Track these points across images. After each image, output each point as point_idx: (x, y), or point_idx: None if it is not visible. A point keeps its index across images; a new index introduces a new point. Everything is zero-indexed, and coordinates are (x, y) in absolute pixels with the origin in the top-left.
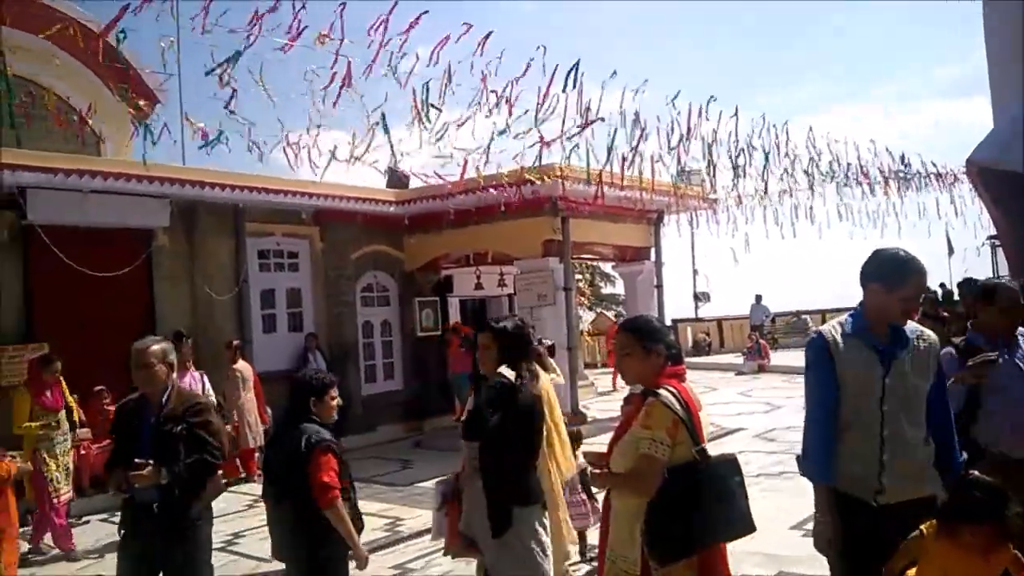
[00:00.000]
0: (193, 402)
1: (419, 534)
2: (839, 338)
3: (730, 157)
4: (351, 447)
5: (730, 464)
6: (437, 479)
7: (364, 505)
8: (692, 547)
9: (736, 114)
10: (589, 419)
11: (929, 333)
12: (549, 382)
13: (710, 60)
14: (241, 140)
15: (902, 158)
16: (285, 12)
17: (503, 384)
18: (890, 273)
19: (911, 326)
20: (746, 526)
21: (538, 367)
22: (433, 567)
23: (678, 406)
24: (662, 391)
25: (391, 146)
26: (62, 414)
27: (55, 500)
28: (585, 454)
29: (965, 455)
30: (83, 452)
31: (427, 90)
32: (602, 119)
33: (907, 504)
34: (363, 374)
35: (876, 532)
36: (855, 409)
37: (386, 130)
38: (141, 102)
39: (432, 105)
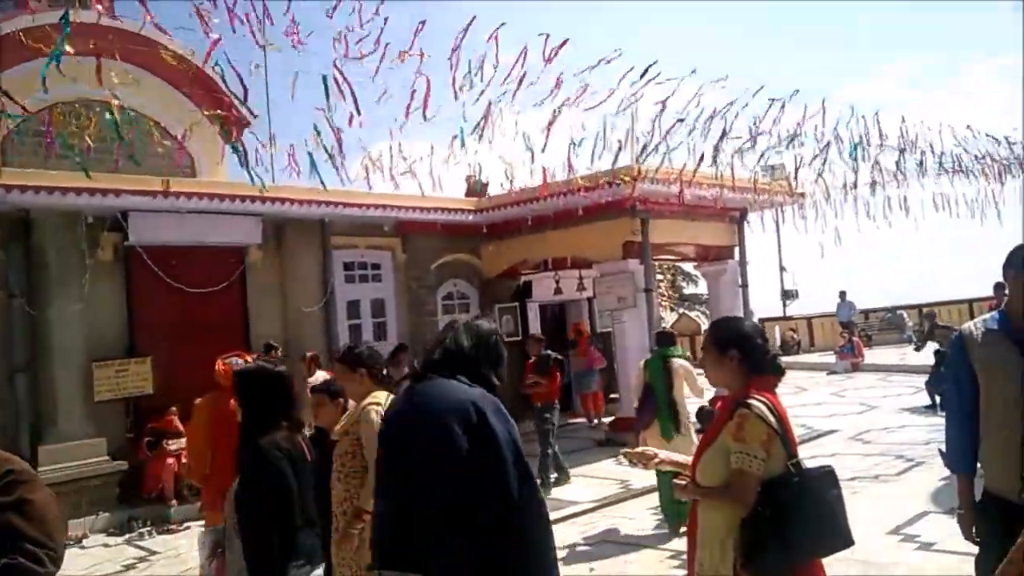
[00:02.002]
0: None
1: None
2: (978, 334)
3: (815, 151)
4: None
5: (827, 476)
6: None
7: None
8: (788, 564)
9: (823, 107)
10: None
11: None
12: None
13: (788, 54)
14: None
15: (1005, 141)
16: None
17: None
18: (1021, 259)
19: None
20: (844, 541)
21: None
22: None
23: (772, 418)
24: (754, 402)
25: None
26: None
27: None
28: (625, 453)
29: None
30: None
31: (500, 100)
32: (682, 120)
33: None
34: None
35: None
36: (995, 404)
37: (463, 143)
38: (229, 125)
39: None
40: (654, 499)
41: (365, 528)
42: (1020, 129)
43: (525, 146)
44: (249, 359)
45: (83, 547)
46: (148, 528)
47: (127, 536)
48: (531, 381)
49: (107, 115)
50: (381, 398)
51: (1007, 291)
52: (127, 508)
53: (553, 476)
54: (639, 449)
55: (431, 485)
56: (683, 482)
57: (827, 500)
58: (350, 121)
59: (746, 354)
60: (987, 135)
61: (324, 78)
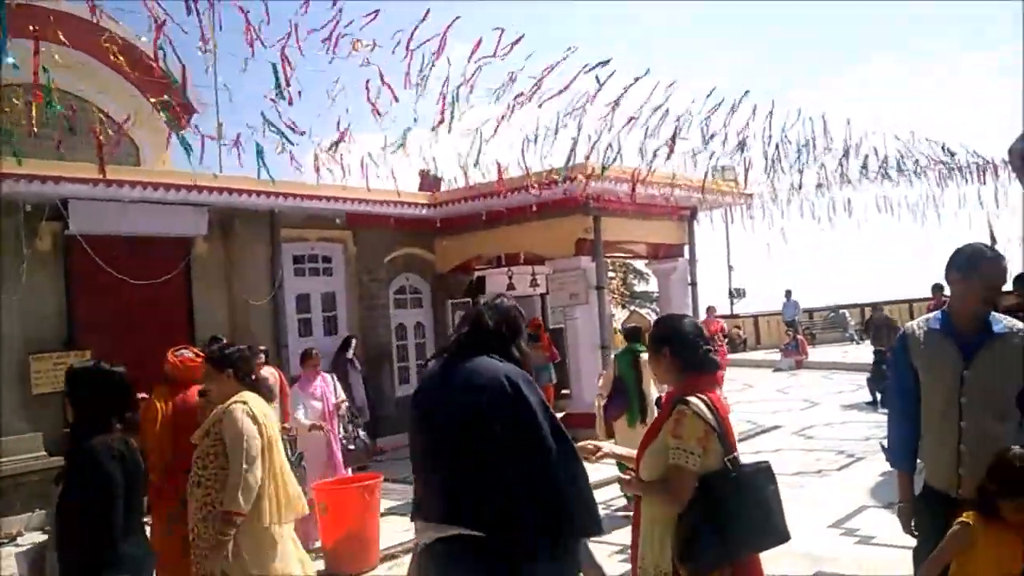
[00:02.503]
0: None
1: None
2: (920, 333)
3: (764, 153)
4: (387, 447)
5: (763, 472)
6: (21, 549)
7: (398, 504)
8: (724, 559)
9: (772, 109)
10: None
11: None
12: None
13: (744, 56)
14: (273, 148)
15: (943, 147)
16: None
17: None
18: (963, 261)
19: (1007, 321)
20: (780, 536)
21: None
22: None
23: (709, 415)
24: (692, 399)
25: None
26: None
27: None
28: (579, 448)
29: None
30: None
31: (456, 96)
32: (634, 117)
33: None
34: (396, 376)
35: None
36: (935, 402)
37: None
38: (175, 113)
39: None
40: (601, 493)
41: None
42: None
43: (477, 141)
44: (198, 352)
45: (18, 545)
46: None
47: None
48: None
49: (45, 96)
50: (248, 398)
51: (945, 292)
52: None
53: None
54: (581, 444)
55: (477, 452)
56: (628, 476)
57: (763, 496)
58: (290, 101)
59: (679, 352)
60: (927, 139)
61: (274, 66)
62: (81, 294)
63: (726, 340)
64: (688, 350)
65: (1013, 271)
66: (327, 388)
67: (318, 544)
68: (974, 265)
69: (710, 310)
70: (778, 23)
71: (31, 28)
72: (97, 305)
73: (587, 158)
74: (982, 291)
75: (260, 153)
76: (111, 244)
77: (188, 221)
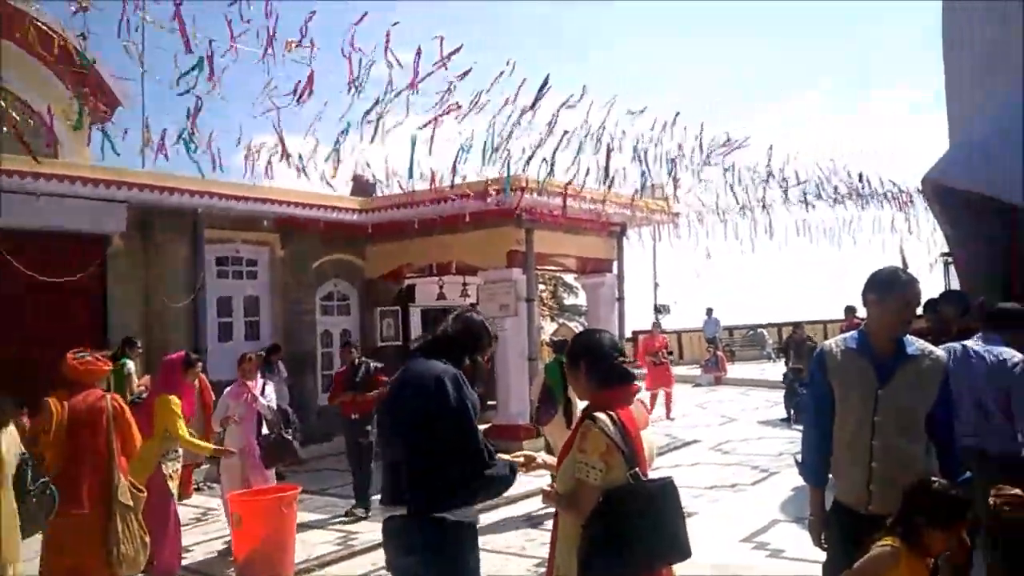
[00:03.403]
0: None
1: (369, 549)
2: (837, 352)
3: (693, 172)
4: (307, 457)
5: (666, 488)
6: None
7: (318, 516)
8: (627, 572)
9: (701, 132)
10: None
11: (938, 352)
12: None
13: (682, 77)
14: (201, 146)
15: (860, 176)
16: (253, 17)
17: None
18: (880, 283)
19: (919, 344)
20: (681, 552)
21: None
22: None
23: (613, 430)
24: (600, 414)
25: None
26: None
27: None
28: (512, 458)
29: (968, 473)
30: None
31: (390, 101)
32: (566, 131)
33: None
34: (321, 384)
35: (866, 541)
36: (848, 420)
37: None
38: (102, 106)
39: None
40: (528, 504)
41: None
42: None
43: (411, 149)
44: (100, 356)
45: None
46: None
47: None
48: (347, 399)
49: None
50: None
51: (858, 313)
52: None
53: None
54: (515, 455)
55: (409, 442)
56: (550, 489)
57: (664, 511)
58: (214, 79)
59: (592, 367)
60: (845, 168)
61: (200, 59)
62: None
63: (669, 355)
64: (600, 366)
65: (925, 296)
66: (256, 392)
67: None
68: (890, 288)
69: (655, 326)
70: (712, 58)
71: None
72: (4, 303)
73: (525, 171)
74: (897, 313)
75: (189, 149)
76: (22, 239)
77: (105, 217)
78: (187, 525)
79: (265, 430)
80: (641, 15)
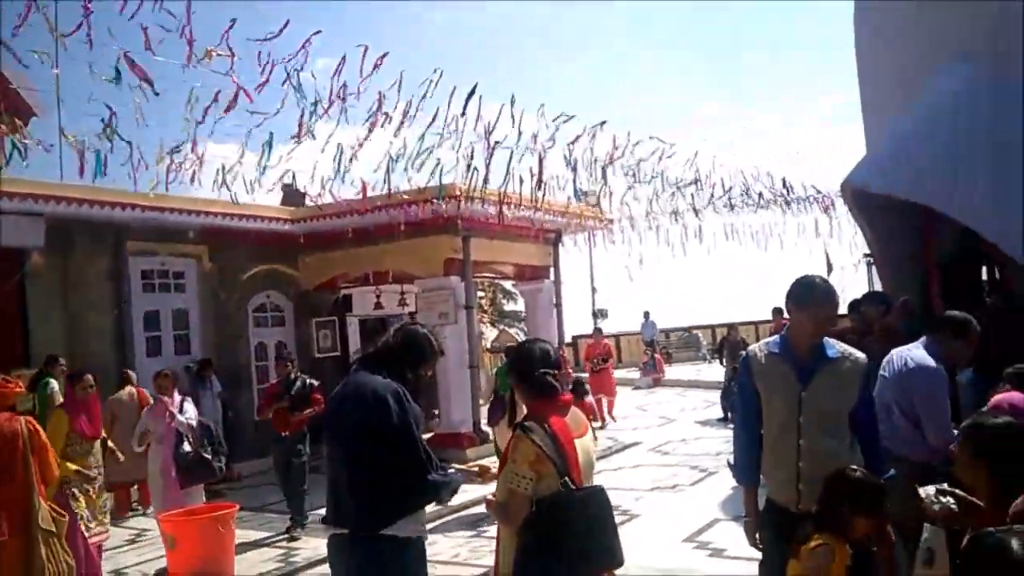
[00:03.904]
0: None
1: (314, 564)
2: (761, 355)
3: (627, 177)
4: (245, 473)
5: (596, 495)
6: None
7: (257, 535)
8: None
9: (628, 138)
10: (491, 437)
11: (858, 354)
12: None
13: (604, 80)
14: (120, 158)
15: (783, 181)
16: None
17: None
18: (799, 293)
19: (839, 347)
20: (613, 559)
21: None
22: None
23: (543, 440)
24: (530, 424)
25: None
26: (97, 444)
27: (87, 541)
28: (466, 469)
29: (892, 471)
30: None
31: (315, 108)
32: (498, 142)
33: None
34: (256, 398)
35: (799, 538)
36: (774, 421)
37: (270, 146)
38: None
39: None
40: (463, 517)
41: None
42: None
43: (341, 158)
44: (13, 386)
45: None
46: None
47: None
48: (280, 407)
49: None
50: None
51: (786, 315)
52: None
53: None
54: (470, 465)
55: (345, 457)
56: (491, 498)
57: (596, 518)
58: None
59: (522, 379)
60: (768, 174)
61: (116, 69)
62: None
63: (603, 362)
64: (528, 378)
65: (852, 296)
66: (174, 410)
67: None
68: (806, 298)
69: (596, 331)
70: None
71: None
72: None
73: (463, 180)
74: (813, 323)
75: (99, 161)
76: None
77: (22, 232)
78: (121, 547)
79: (187, 447)
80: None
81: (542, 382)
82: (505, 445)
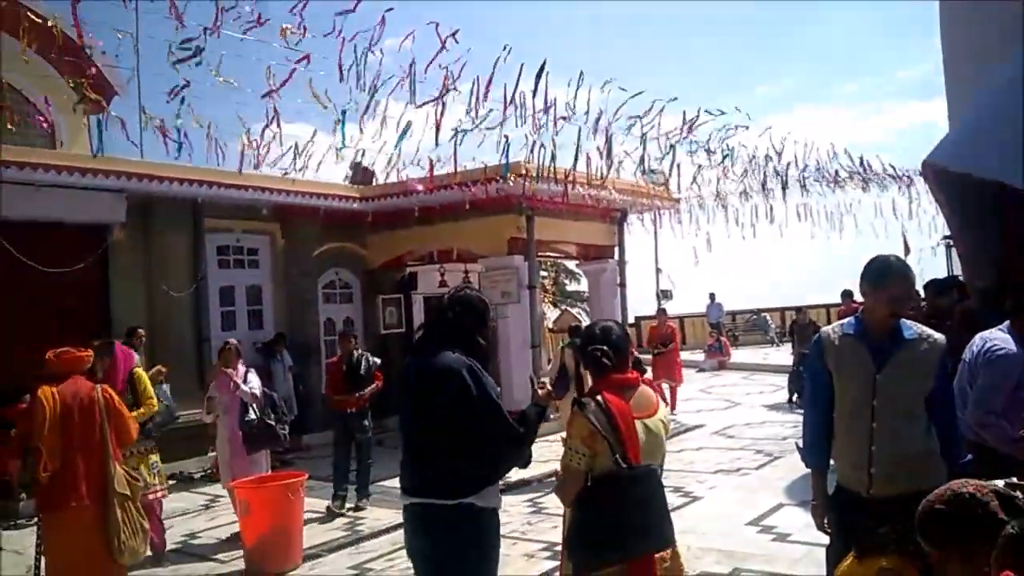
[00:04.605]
0: None
1: (378, 533)
2: (835, 338)
3: (696, 154)
4: (312, 444)
5: (648, 476)
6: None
7: (324, 503)
8: (603, 558)
9: (697, 115)
10: (552, 418)
11: (936, 336)
12: None
13: (677, 60)
14: (200, 136)
15: (860, 160)
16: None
17: None
18: (874, 274)
19: (916, 328)
20: (659, 540)
21: None
22: (393, 568)
23: (599, 417)
24: (586, 401)
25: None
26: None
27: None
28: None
29: (970, 456)
30: None
31: (381, 88)
32: (565, 117)
33: (902, 498)
34: (324, 372)
35: (869, 524)
36: (847, 405)
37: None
38: (93, 95)
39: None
40: (520, 495)
41: None
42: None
43: (404, 136)
44: (85, 353)
45: None
46: None
47: None
48: (346, 397)
49: None
50: None
51: (856, 298)
52: None
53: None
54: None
55: (431, 425)
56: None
57: (645, 498)
58: (197, 54)
59: (583, 356)
60: (845, 151)
61: (198, 47)
62: None
63: (662, 348)
64: (587, 355)
65: (930, 276)
66: (238, 380)
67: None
68: (882, 279)
69: (660, 312)
70: (702, 38)
71: None
72: (6, 293)
73: (527, 160)
74: (888, 304)
75: (180, 139)
76: (23, 229)
77: (104, 207)
78: (195, 512)
79: (252, 415)
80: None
81: (591, 358)
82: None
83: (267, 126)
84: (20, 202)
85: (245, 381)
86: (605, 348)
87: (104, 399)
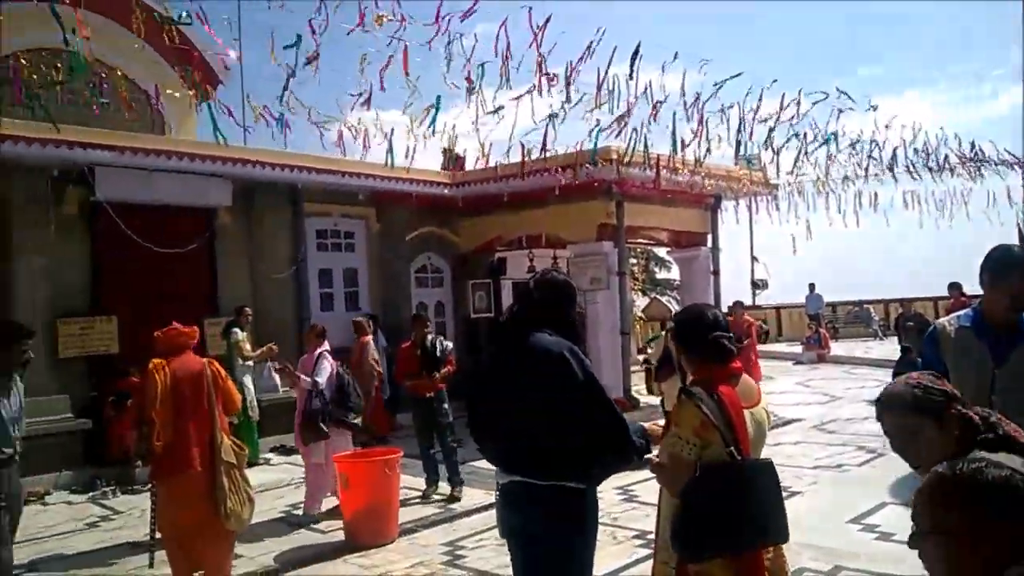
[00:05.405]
0: None
1: (470, 512)
2: (951, 330)
3: (796, 139)
4: (405, 425)
5: (765, 469)
6: None
7: (416, 482)
8: (713, 548)
9: (799, 98)
10: (641, 404)
11: None
12: None
13: (774, 42)
14: (302, 122)
15: (972, 145)
16: None
17: None
18: (994, 266)
19: None
20: (777, 535)
21: None
22: (484, 546)
23: (709, 406)
24: (695, 389)
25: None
26: None
27: None
28: (648, 428)
29: None
30: None
31: (483, 71)
32: (660, 102)
33: None
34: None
35: None
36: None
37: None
38: (200, 82)
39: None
40: (624, 478)
41: None
42: None
43: (501, 121)
44: (190, 330)
45: (45, 504)
46: (112, 487)
47: (90, 495)
48: (421, 381)
49: (73, 61)
50: None
51: (964, 291)
52: (91, 467)
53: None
54: (649, 426)
55: (534, 407)
56: (655, 459)
57: (761, 492)
58: (311, 62)
59: (690, 343)
60: (955, 135)
61: (299, 36)
62: (106, 260)
63: (740, 342)
64: (698, 342)
65: None
66: (311, 364)
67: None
68: (1005, 272)
69: (737, 304)
70: (800, 24)
71: None
72: (122, 272)
73: (621, 143)
74: (1011, 295)
75: (282, 126)
76: (136, 212)
77: (212, 191)
78: (295, 484)
79: (316, 404)
80: None
81: (718, 345)
82: (664, 426)
83: (363, 108)
84: (135, 186)
85: (317, 366)
86: (729, 334)
87: (212, 373)
